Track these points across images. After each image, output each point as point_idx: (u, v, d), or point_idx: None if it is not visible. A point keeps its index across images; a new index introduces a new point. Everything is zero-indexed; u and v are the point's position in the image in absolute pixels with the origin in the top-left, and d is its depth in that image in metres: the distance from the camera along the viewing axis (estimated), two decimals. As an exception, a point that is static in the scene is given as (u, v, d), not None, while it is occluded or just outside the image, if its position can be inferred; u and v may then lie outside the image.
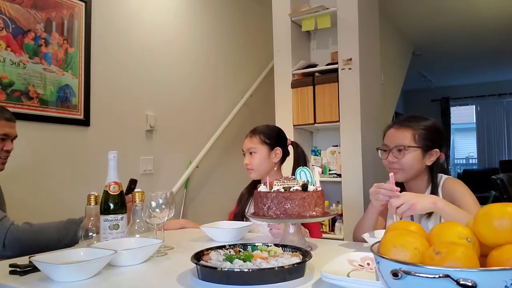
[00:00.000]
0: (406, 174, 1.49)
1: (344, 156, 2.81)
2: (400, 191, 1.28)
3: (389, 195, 1.29)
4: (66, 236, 1.44)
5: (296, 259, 0.94)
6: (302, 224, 1.62)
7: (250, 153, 1.77)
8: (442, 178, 1.51)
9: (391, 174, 1.33)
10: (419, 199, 1.24)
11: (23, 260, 1.11)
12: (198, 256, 0.97)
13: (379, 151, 1.57)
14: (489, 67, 7.52)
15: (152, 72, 3.07)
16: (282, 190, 1.25)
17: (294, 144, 1.82)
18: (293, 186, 1.26)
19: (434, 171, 1.51)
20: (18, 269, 1.02)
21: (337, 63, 2.85)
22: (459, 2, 4.64)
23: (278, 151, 1.77)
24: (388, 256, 0.58)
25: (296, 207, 1.21)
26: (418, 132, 1.48)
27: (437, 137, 1.51)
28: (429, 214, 1.44)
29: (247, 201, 1.81)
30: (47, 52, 2.38)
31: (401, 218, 1.45)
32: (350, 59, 2.79)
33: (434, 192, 1.48)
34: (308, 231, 1.60)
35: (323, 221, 2.79)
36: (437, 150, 1.50)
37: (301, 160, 1.74)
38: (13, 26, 2.22)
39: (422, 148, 1.48)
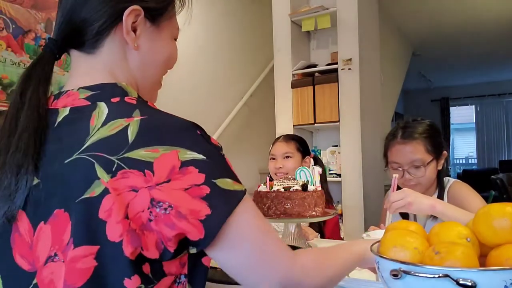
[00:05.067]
0: (424, 187, 1.42)
1: (344, 156, 2.82)
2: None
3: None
4: None
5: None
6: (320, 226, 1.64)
7: (285, 158, 1.76)
8: (450, 181, 1.47)
9: (394, 176, 1.27)
10: (418, 199, 1.18)
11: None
12: (198, 256, 0.97)
13: (389, 170, 1.46)
14: (488, 67, 7.52)
15: (152, 72, 3.07)
16: (282, 190, 1.25)
17: (316, 158, 1.89)
18: (293, 186, 1.26)
19: (441, 173, 1.46)
20: (18, 269, 1.02)
21: (337, 63, 2.85)
22: (459, 3, 4.65)
23: (308, 160, 1.78)
24: (388, 256, 0.58)
25: (296, 207, 1.22)
26: (427, 141, 1.41)
27: (440, 138, 1.47)
28: (435, 216, 1.39)
29: None
30: (47, 52, 2.38)
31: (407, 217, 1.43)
32: (350, 59, 2.80)
33: (440, 195, 1.43)
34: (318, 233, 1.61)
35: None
36: (445, 151, 1.45)
37: (322, 174, 1.75)
38: (13, 26, 2.22)
39: (435, 157, 1.42)
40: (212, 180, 0.56)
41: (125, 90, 0.65)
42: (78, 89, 0.64)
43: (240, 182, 0.60)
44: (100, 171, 0.54)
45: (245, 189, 0.60)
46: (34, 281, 0.57)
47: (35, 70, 0.64)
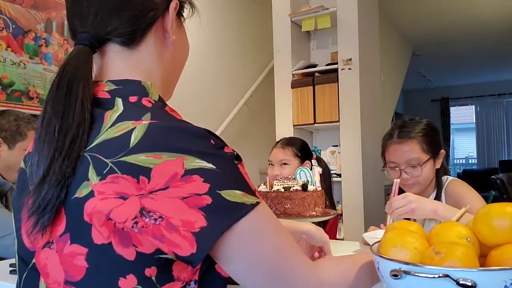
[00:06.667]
0: (423, 186, 1.42)
1: (344, 156, 2.82)
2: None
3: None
4: None
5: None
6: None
7: (282, 165, 1.75)
8: (447, 180, 1.47)
9: (396, 180, 1.27)
10: (421, 204, 1.18)
11: (23, 260, 1.11)
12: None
13: (387, 170, 1.47)
14: (488, 67, 7.52)
15: (152, 72, 3.06)
16: (282, 190, 1.26)
17: (319, 159, 1.86)
18: (293, 186, 1.26)
19: (439, 172, 1.46)
20: (18, 269, 1.02)
21: (337, 63, 2.85)
22: (459, 3, 4.65)
23: (308, 164, 1.76)
24: (388, 256, 0.58)
25: (296, 207, 1.22)
26: (423, 140, 1.41)
27: (438, 137, 1.48)
28: None
29: None
30: (48, 52, 2.38)
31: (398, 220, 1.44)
32: (350, 59, 2.80)
33: (438, 194, 1.43)
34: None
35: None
36: (443, 150, 1.46)
37: (325, 175, 1.73)
38: (13, 26, 2.22)
39: (432, 156, 1.42)
40: (217, 191, 0.52)
41: (146, 91, 0.62)
42: (106, 81, 0.61)
43: (253, 194, 0.55)
44: (91, 173, 0.52)
45: (258, 202, 0.55)
46: (33, 261, 0.58)
47: (81, 67, 0.59)
